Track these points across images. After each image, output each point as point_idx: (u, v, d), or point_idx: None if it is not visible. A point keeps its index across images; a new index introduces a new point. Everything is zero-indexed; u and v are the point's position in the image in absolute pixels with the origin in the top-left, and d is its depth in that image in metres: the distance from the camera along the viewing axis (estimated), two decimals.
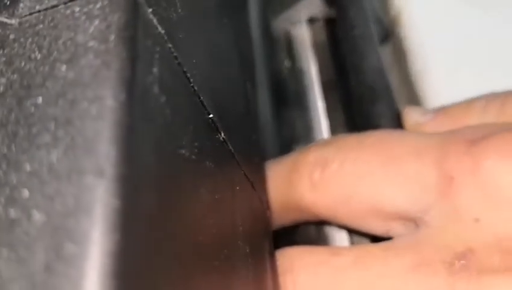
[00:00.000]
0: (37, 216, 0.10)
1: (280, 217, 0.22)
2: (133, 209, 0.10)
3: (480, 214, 0.17)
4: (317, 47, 0.27)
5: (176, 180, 0.13)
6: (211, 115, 0.15)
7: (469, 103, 0.22)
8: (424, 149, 0.19)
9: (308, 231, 0.24)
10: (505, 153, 0.17)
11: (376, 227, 0.20)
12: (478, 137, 0.18)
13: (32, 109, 0.11)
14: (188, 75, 0.14)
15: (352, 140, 0.21)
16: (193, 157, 0.14)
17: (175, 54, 0.13)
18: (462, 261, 0.17)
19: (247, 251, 0.18)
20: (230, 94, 0.18)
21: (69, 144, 0.10)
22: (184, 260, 0.12)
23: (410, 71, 0.28)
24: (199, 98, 0.15)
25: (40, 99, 0.11)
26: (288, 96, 0.27)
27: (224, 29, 0.19)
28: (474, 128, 0.20)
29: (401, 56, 0.28)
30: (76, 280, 0.09)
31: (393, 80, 0.28)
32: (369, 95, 0.24)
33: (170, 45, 0.13)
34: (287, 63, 0.28)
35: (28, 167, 0.10)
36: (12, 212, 0.10)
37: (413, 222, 0.19)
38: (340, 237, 0.23)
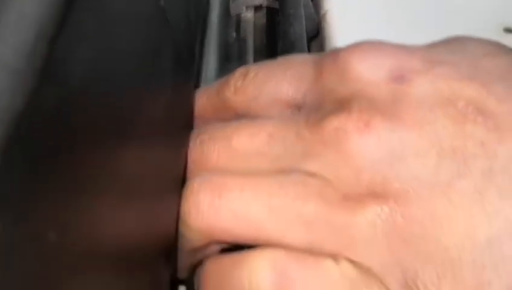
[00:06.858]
0: None
1: (210, 117, 0.31)
2: None
3: (336, 88, 0.26)
4: (257, 26, 0.37)
5: None
6: None
7: None
8: (309, 59, 0.28)
9: None
10: (352, 51, 0.26)
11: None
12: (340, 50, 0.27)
13: None
14: None
15: (269, 61, 0.30)
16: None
17: None
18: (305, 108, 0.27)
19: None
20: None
21: None
22: None
23: None
24: None
25: None
26: (231, 56, 0.36)
27: None
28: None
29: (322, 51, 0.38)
30: None
31: None
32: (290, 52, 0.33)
33: None
34: (234, 35, 0.37)
35: None
36: None
37: (298, 107, 0.28)
38: None
